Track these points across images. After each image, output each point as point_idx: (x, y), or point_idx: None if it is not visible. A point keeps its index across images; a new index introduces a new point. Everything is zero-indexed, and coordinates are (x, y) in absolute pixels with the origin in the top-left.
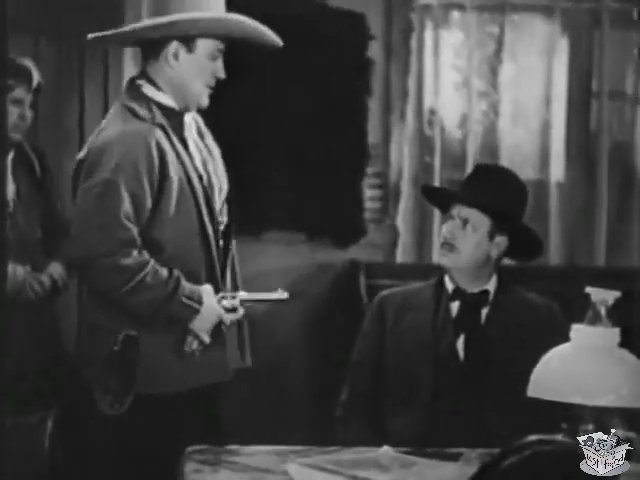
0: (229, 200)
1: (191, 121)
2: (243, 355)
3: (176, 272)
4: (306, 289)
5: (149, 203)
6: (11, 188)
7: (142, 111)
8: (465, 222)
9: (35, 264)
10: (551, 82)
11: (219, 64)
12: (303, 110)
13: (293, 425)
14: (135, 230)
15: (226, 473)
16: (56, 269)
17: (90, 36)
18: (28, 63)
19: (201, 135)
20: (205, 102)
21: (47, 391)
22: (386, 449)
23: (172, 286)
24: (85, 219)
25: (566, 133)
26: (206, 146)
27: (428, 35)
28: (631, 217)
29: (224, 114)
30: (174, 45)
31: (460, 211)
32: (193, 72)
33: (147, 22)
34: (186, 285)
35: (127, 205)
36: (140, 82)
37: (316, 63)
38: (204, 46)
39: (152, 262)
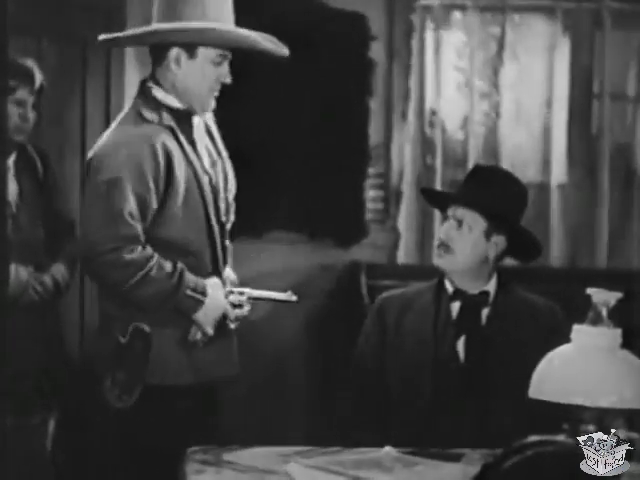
0: (236, 200)
1: (200, 123)
2: (228, 365)
3: (180, 265)
4: (307, 290)
5: (154, 202)
6: (14, 189)
7: (150, 114)
8: (460, 223)
9: (38, 265)
10: (552, 83)
11: (224, 69)
12: (304, 111)
13: (294, 426)
14: (139, 227)
15: (228, 473)
16: (59, 270)
17: (100, 38)
18: (30, 64)
19: (211, 136)
20: (210, 106)
21: (49, 392)
22: (388, 450)
23: (176, 279)
24: (90, 216)
25: (567, 134)
26: (216, 147)
27: (429, 36)
28: (632, 218)
29: (225, 115)
30: (175, 51)
31: (455, 212)
32: (195, 77)
33: (148, 28)
34: (190, 277)
35: (132, 203)
36: (150, 85)
37: (317, 64)
38: (206, 53)
39: (156, 256)
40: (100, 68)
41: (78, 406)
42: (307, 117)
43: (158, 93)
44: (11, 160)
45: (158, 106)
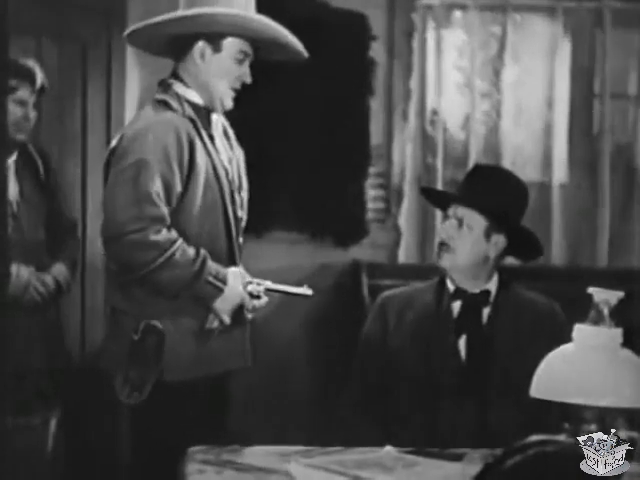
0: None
1: (218, 120)
2: (242, 356)
3: (203, 251)
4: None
5: (178, 187)
6: (15, 189)
7: (174, 103)
8: (461, 222)
9: (39, 265)
10: (553, 83)
11: (245, 68)
12: (305, 110)
13: (296, 425)
14: (165, 209)
15: (229, 473)
16: (60, 270)
17: (126, 32)
18: (32, 64)
19: (227, 136)
20: (229, 104)
21: (50, 391)
22: (389, 449)
23: (199, 265)
24: (117, 198)
25: (568, 134)
26: (231, 146)
27: (430, 35)
28: (633, 217)
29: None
30: (201, 44)
31: (456, 211)
32: (218, 72)
33: (174, 14)
34: (212, 265)
35: (158, 185)
36: (171, 81)
37: (318, 63)
38: (230, 47)
39: (180, 240)
40: (101, 68)
41: (81, 405)
42: (308, 116)
43: (178, 88)
44: (12, 159)
45: (179, 99)
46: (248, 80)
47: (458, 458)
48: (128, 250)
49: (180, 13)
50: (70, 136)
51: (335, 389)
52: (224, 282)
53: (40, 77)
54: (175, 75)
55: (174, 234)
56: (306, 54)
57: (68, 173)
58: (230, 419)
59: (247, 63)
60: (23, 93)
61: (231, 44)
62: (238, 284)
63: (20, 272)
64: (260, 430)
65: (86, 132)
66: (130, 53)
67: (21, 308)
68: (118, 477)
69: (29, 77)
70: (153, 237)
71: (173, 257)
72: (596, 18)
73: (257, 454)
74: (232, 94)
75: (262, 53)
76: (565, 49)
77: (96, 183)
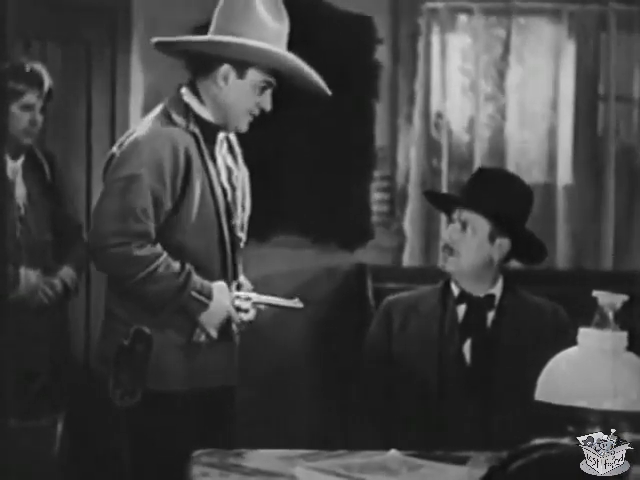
0: (249, 220)
1: (223, 139)
2: (230, 373)
3: (188, 266)
4: (313, 292)
5: (169, 204)
6: (22, 192)
7: (178, 118)
8: (465, 225)
9: (46, 268)
10: (558, 85)
11: (267, 96)
12: (310, 113)
13: (300, 429)
14: (151, 225)
15: (234, 477)
16: (67, 273)
17: (154, 40)
18: (39, 68)
19: (234, 155)
20: (244, 128)
21: (57, 394)
22: (394, 452)
23: (183, 279)
24: (105, 210)
25: (573, 136)
26: (236, 165)
27: (435, 39)
28: (638, 220)
29: None
30: (225, 68)
31: (460, 214)
32: (239, 97)
33: (206, 37)
34: (197, 279)
35: (147, 201)
36: (184, 91)
37: (323, 66)
38: (254, 75)
39: (165, 254)
40: (106, 71)
41: (88, 407)
42: (312, 119)
43: (192, 102)
44: (19, 163)
45: (188, 113)
46: (268, 108)
47: (463, 461)
48: (111, 263)
49: (211, 37)
50: (75, 139)
51: (339, 392)
52: (209, 297)
53: (48, 81)
54: (192, 88)
55: (159, 249)
56: (329, 92)
57: (72, 176)
58: (232, 423)
59: (269, 92)
60: (30, 98)
61: (256, 73)
62: (224, 298)
63: (28, 276)
64: (263, 434)
65: (91, 135)
66: (135, 56)
67: (28, 311)
68: (124, 479)
69: (37, 82)
70: (136, 252)
71: (156, 271)
72: (600, 21)
73: (262, 458)
74: (249, 119)
75: (284, 79)
76: (570, 52)
77: (101, 186)
